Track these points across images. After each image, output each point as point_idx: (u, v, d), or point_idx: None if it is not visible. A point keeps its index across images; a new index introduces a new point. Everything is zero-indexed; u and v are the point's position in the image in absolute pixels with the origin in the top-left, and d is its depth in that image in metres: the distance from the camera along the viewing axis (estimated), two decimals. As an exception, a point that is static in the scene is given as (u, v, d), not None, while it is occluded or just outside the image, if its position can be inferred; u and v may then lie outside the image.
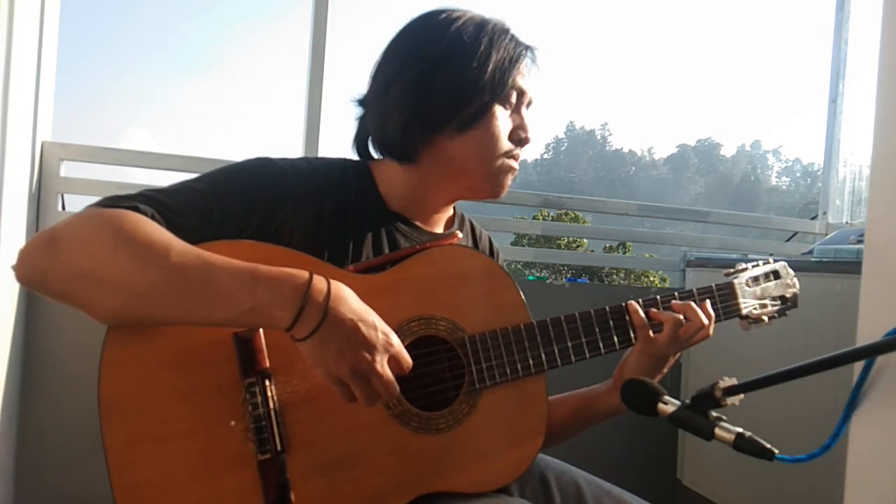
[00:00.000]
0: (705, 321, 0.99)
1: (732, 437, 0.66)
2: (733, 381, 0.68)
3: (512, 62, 0.95)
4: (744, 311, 1.06)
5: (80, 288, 0.74)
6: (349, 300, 0.78)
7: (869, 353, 0.59)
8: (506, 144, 0.96)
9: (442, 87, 0.92)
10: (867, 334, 0.61)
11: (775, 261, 1.12)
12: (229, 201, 0.85)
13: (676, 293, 1.03)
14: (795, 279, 1.10)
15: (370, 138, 1.00)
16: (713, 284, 1.05)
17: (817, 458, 0.63)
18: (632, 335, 1.00)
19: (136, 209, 0.78)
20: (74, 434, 1.47)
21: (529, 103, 1.00)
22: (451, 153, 0.95)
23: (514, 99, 0.97)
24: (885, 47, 0.62)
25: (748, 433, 0.66)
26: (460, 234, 1.02)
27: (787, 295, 1.10)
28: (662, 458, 1.96)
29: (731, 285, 1.06)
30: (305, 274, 0.76)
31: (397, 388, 0.79)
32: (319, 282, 0.76)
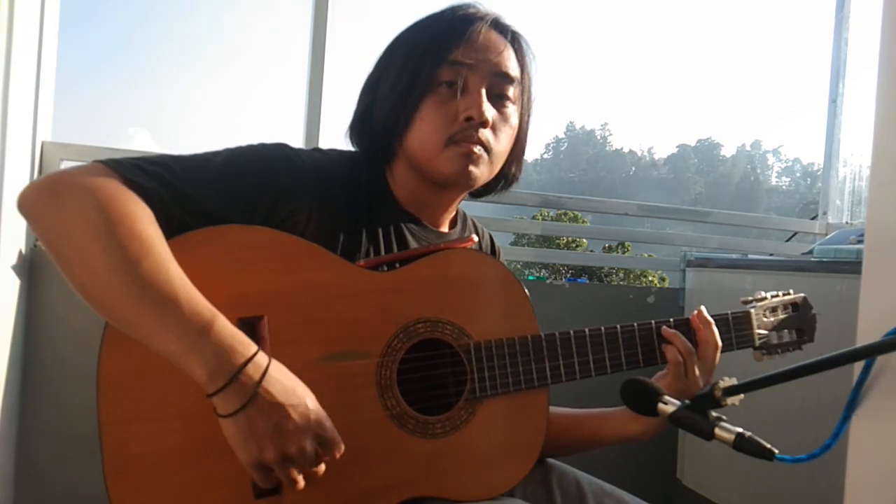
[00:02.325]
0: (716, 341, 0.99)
1: (732, 437, 0.66)
2: (733, 381, 0.68)
3: (441, 43, 0.91)
4: (757, 343, 1.04)
5: (61, 247, 0.75)
6: (283, 382, 0.75)
7: (869, 353, 0.59)
8: (448, 129, 0.91)
9: (384, 91, 0.94)
10: (867, 334, 0.61)
11: (789, 281, 1.11)
12: (242, 179, 0.85)
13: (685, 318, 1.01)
14: (814, 313, 1.08)
15: None
16: (728, 312, 1.03)
17: (817, 458, 0.63)
18: (640, 357, 0.97)
19: (139, 186, 0.78)
20: (75, 433, 1.47)
21: (495, 72, 0.93)
22: (407, 151, 0.95)
23: (453, 79, 0.91)
24: (885, 47, 0.62)
25: (748, 433, 0.66)
26: (476, 238, 1.00)
27: (805, 328, 1.07)
28: (662, 458, 1.96)
29: (747, 314, 1.04)
30: (250, 351, 0.73)
31: (322, 469, 0.77)
32: (258, 363, 0.73)
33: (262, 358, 0.74)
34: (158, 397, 0.78)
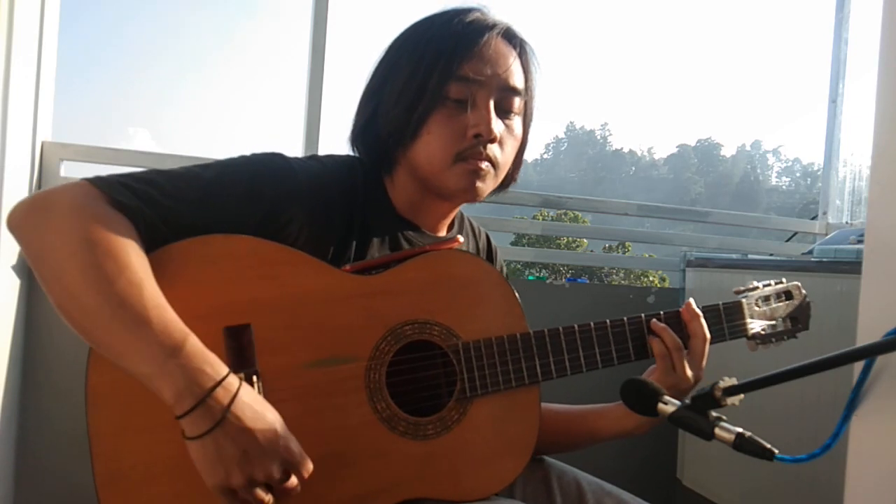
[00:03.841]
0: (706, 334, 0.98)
1: (732, 437, 0.66)
2: (733, 381, 0.68)
3: (450, 56, 0.89)
4: (751, 332, 1.03)
5: (41, 267, 0.75)
6: (253, 406, 0.73)
7: (869, 353, 0.59)
8: (456, 145, 0.90)
9: (390, 100, 0.92)
10: (867, 334, 0.61)
11: (789, 280, 1.08)
12: (232, 191, 0.84)
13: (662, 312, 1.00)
14: (809, 301, 1.07)
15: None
16: (720, 303, 1.02)
17: (817, 458, 0.63)
18: (631, 352, 0.97)
19: (124, 206, 0.77)
20: (76, 432, 1.46)
21: (503, 87, 0.92)
22: (411, 162, 0.94)
23: (462, 96, 0.90)
24: (885, 47, 0.62)
25: (748, 433, 0.66)
26: (461, 239, 1.00)
27: (799, 316, 1.06)
28: (662, 458, 1.96)
29: (738, 304, 1.03)
30: (221, 374, 0.72)
31: (295, 484, 0.75)
32: (228, 386, 0.72)
33: (232, 381, 0.73)
34: (148, 409, 0.77)
